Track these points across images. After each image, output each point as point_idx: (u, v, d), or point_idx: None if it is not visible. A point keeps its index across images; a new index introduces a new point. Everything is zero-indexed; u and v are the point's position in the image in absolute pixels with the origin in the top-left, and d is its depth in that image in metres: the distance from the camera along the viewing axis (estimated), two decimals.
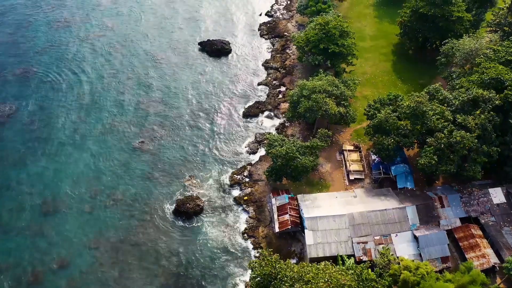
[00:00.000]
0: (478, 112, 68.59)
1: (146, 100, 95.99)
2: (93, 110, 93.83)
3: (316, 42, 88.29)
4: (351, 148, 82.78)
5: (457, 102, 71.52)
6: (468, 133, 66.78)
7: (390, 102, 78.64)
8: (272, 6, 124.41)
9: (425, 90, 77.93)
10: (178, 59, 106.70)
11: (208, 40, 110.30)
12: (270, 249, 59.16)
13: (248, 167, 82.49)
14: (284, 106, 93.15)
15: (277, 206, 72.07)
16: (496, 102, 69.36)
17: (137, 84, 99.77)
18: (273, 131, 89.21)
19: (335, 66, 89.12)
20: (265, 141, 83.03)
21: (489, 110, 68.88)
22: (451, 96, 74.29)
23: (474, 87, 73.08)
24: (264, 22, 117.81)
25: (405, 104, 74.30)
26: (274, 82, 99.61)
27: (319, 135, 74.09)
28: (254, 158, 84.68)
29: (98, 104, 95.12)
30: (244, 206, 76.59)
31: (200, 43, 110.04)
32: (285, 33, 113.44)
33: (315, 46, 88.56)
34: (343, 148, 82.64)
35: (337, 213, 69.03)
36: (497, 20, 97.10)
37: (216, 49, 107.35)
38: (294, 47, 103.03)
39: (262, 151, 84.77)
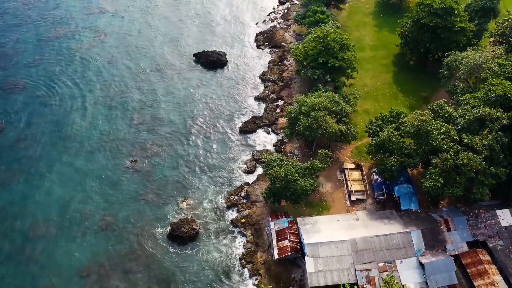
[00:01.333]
0: (485, 132, 65.61)
1: (139, 116, 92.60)
2: (84, 127, 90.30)
3: (315, 56, 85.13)
4: (352, 166, 79.72)
5: (463, 121, 68.53)
6: (475, 155, 63.78)
7: (393, 119, 75.63)
8: (269, 15, 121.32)
9: (429, 107, 75.01)
10: (172, 72, 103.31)
11: (203, 51, 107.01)
12: (270, 286, 55.81)
13: (245, 187, 79.27)
14: (282, 121, 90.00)
15: (276, 231, 68.88)
16: (504, 122, 66.43)
17: (130, 99, 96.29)
18: (271, 148, 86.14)
19: (335, 80, 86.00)
20: (263, 158, 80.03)
21: (497, 130, 65.93)
22: (456, 113, 71.34)
23: (480, 105, 70.18)
24: (261, 32, 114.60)
25: (408, 122, 71.23)
26: (271, 95, 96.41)
27: (319, 156, 70.94)
28: (252, 177, 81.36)
29: (89, 120, 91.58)
30: (242, 229, 73.32)
31: (195, 55, 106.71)
32: (282, 43, 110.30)
33: (314, 59, 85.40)
34: (344, 167, 79.57)
35: (338, 238, 65.91)
36: (501, 30, 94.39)
37: (212, 61, 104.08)
38: (292, 58, 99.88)
39: (259, 170, 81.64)
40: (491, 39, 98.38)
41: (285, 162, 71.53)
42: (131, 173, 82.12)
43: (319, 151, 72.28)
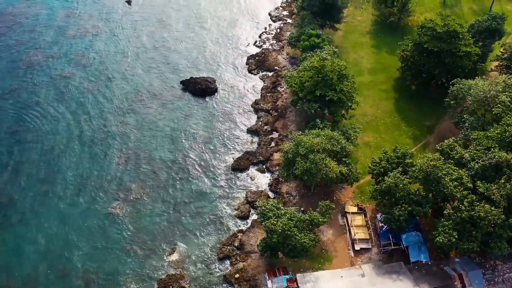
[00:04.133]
0: (502, 180, 59.44)
1: (122, 154, 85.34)
2: (63, 167, 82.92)
3: (311, 88, 78.65)
4: (355, 209, 73.29)
5: (477, 166, 62.32)
6: (493, 207, 57.62)
7: (398, 160, 69.39)
8: (260, 36, 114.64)
9: (438, 147, 68.81)
10: (158, 102, 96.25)
11: (192, 78, 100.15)
12: None
13: (239, 235, 72.48)
14: (277, 156, 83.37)
15: None
16: None
17: (112, 134, 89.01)
18: (266, 188, 79.47)
19: (334, 114, 79.59)
20: (257, 203, 73.23)
21: None
22: (467, 155, 65.09)
23: (494, 146, 64.10)
24: (252, 55, 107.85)
25: (417, 164, 64.99)
26: (265, 127, 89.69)
27: (320, 208, 64.32)
28: (246, 223, 74.73)
29: (68, 159, 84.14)
30: (236, 285, 66.48)
31: (182, 82, 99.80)
32: (275, 67, 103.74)
33: (310, 92, 78.92)
34: (346, 210, 73.13)
35: None
36: (507, 54, 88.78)
37: (200, 89, 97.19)
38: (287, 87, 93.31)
39: (254, 214, 74.91)
40: (496, 63, 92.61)
41: (282, 212, 64.91)
42: (113, 221, 74.99)
43: (320, 203, 65.58)
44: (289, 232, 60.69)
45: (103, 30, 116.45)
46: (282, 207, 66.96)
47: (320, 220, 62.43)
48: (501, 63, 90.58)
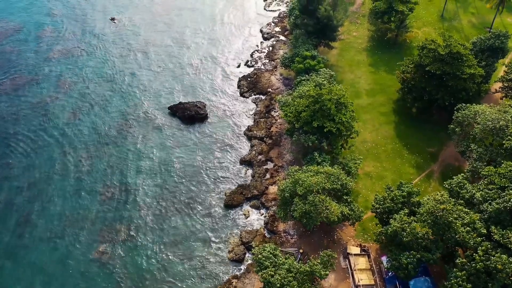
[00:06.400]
0: None
1: (106, 189, 79.50)
2: (41, 206, 76.79)
3: (308, 118, 73.45)
4: (358, 251, 68.18)
5: (490, 209, 57.48)
6: (510, 258, 52.76)
7: (404, 199, 64.40)
8: (252, 54, 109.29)
9: (447, 185, 63.94)
10: (144, 130, 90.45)
11: (180, 103, 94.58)
12: None
13: (234, 281, 67.01)
14: (273, 189, 78.13)
15: None
16: None
17: (95, 167, 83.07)
18: (261, 226, 74.06)
19: (333, 146, 74.45)
20: (253, 250, 67.65)
21: None
22: (479, 195, 60.21)
23: (507, 184, 59.32)
24: (244, 76, 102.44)
25: (424, 204, 60.14)
26: (259, 157, 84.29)
27: (321, 259, 58.98)
28: (240, 267, 69.26)
29: (47, 197, 78.18)
30: None
31: (170, 108, 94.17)
32: (268, 90, 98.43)
33: (307, 123, 73.73)
34: (348, 251, 67.95)
35: None
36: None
37: (189, 115, 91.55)
38: (280, 111, 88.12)
39: (250, 259, 69.49)
40: (500, 84, 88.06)
41: (280, 261, 59.44)
42: (97, 267, 69.07)
43: (321, 252, 60.28)
44: (288, 287, 55.34)
45: (86, 51, 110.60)
46: (280, 254, 61.51)
47: (322, 273, 57.01)
48: (505, 85, 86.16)
